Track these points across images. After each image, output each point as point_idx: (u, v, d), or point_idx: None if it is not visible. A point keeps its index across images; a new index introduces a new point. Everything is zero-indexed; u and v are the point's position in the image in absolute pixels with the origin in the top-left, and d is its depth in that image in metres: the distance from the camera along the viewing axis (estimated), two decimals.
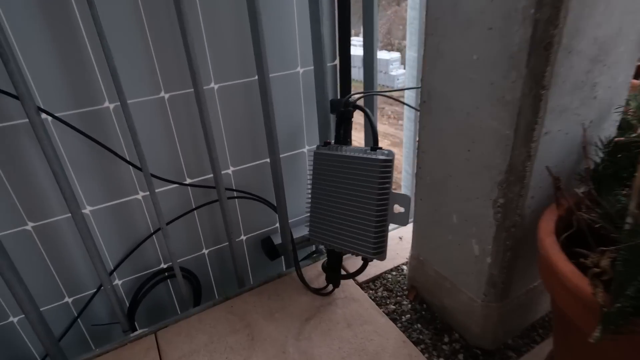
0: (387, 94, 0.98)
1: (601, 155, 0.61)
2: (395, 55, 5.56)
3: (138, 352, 0.83)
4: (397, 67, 5.49)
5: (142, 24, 0.76)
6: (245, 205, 1.03)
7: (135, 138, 0.74)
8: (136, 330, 0.90)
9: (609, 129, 0.66)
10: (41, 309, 0.80)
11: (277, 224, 1.10)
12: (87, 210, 0.84)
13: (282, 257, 1.10)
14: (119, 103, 0.73)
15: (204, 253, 1.03)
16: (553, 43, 0.50)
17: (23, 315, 0.81)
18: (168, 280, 1.00)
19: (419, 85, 0.99)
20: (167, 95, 0.83)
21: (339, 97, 0.97)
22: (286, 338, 0.83)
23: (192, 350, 0.82)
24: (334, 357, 0.78)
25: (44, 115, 0.74)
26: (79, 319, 0.93)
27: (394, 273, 0.99)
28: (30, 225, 0.81)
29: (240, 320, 0.88)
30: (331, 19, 0.93)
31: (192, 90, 0.80)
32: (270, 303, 0.92)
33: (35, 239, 0.82)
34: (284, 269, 1.12)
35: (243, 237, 1.07)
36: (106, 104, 0.78)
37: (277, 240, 1.07)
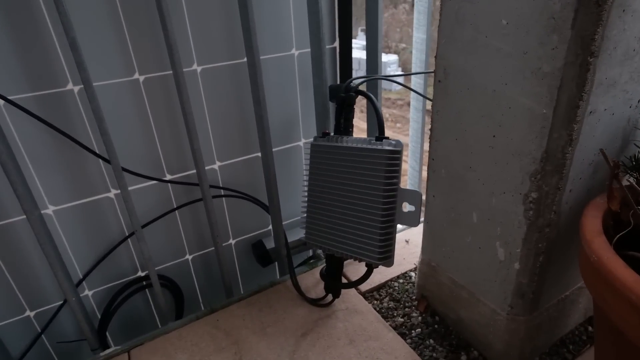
0: (393, 78, 0.88)
1: None
2: (393, 57, 5.49)
3: None
4: (395, 70, 5.41)
5: None
6: (234, 205, 0.92)
7: (102, 125, 0.64)
8: (108, 347, 0.78)
9: None
10: (30, 314, 0.69)
11: (270, 226, 0.99)
12: (49, 210, 0.73)
13: (276, 263, 1.00)
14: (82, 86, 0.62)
15: (187, 259, 0.92)
16: None
17: None
18: (146, 290, 0.89)
19: (429, 70, 0.90)
20: (142, 78, 0.72)
21: (338, 82, 0.87)
22: (279, 357, 0.72)
23: None
24: None
25: None
26: (42, 336, 0.82)
27: (401, 281, 0.89)
28: None
29: (227, 336, 0.77)
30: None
31: (171, 72, 0.70)
32: (262, 316, 0.81)
33: None
34: (278, 276, 1.01)
35: (232, 241, 0.96)
36: (69, 86, 0.68)
37: (270, 244, 0.96)
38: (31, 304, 0.79)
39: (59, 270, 0.69)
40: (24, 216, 0.67)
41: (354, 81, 0.79)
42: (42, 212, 0.71)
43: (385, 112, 4.57)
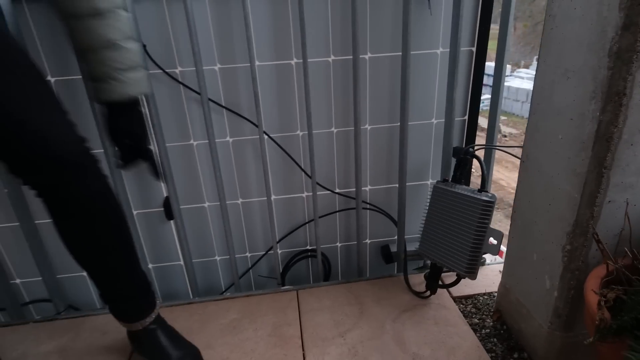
0: (503, 149, 1.18)
1: None
2: None
3: (284, 300, 1.22)
4: None
5: None
6: (374, 217, 1.35)
7: (312, 159, 1.14)
8: (285, 285, 1.30)
9: None
10: (248, 255, 1.26)
11: (396, 237, 1.38)
12: (272, 198, 1.28)
13: (395, 263, 1.38)
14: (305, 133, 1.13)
15: (336, 245, 1.39)
16: (613, 137, 0.69)
17: (224, 257, 1.29)
18: (309, 258, 1.39)
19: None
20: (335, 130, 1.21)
21: (463, 145, 1.22)
22: (386, 319, 1.11)
23: (320, 307, 1.17)
24: (418, 340, 1.03)
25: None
26: (250, 270, 1.38)
27: (485, 297, 1.18)
28: (240, 201, 1.27)
29: (355, 298, 1.20)
30: (466, 80, 1.19)
31: (353, 128, 1.17)
32: (379, 292, 1.22)
33: (241, 211, 1.29)
34: (395, 272, 1.39)
35: (367, 241, 1.39)
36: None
37: (394, 249, 1.36)
38: (250, 248, 1.35)
39: (272, 234, 1.23)
40: (262, 198, 1.22)
41: (473, 147, 1.14)
42: (266, 198, 1.26)
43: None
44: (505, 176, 6.70)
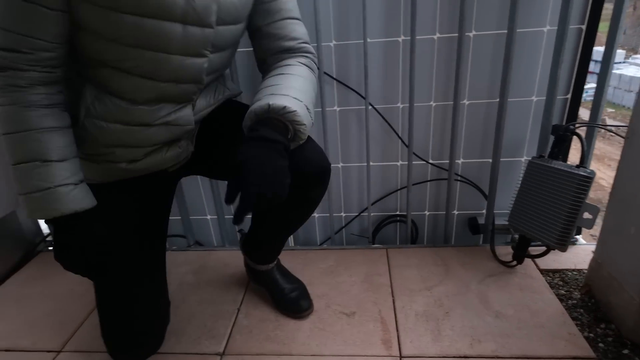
0: (608, 128, 1.17)
1: None
2: None
3: (375, 255, 1.35)
4: None
5: None
6: (463, 189, 1.42)
7: (411, 130, 1.25)
8: (375, 244, 1.44)
9: None
10: (342, 214, 1.43)
11: (483, 210, 1.44)
12: (370, 164, 1.41)
13: (481, 235, 1.45)
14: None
15: (424, 214, 1.49)
16: None
17: (322, 214, 1.47)
18: (398, 223, 1.51)
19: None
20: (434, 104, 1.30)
21: (564, 123, 1.24)
22: (471, 280, 1.20)
23: (407, 265, 1.29)
24: (502, 301, 1.11)
25: None
26: (343, 229, 1.54)
27: (574, 272, 1.21)
28: (340, 165, 1.43)
29: (441, 259, 1.30)
30: (572, 59, 1.19)
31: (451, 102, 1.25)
32: (464, 258, 1.30)
33: (340, 174, 1.44)
34: (480, 243, 1.46)
35: (455, 212, 1.47)
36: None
37: (481, 221, 1.42)
38: (345, 209, 1.51)
39: (368, 197, 1.36)
40: (361, 163, 1.36)
41: (574, 124, 1.16)
42: (365, 164, 1.39)
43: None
44: (608, 175, 6.09)
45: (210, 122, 0.95)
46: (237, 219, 0.73)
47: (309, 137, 0.85)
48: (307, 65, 0.90)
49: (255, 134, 0.75)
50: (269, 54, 0.90)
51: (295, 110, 0.77)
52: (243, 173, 0.71)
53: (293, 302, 1.11)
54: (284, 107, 0.76)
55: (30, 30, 0.67)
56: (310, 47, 0.92)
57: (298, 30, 0.90)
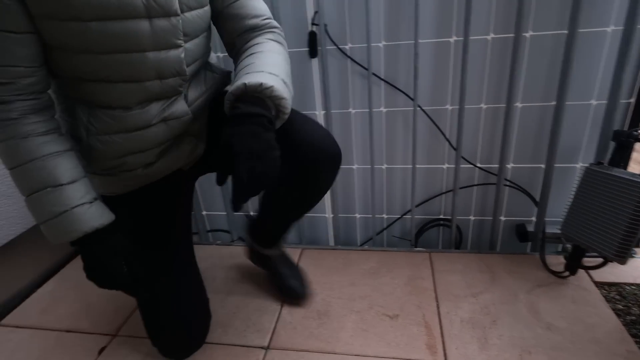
0: None
1: None
2: None
3: (418, 258, 1.34)
4: None
5: None
6: (512, 195, 1.37)
7: (460, 132, 1.22)
8: (417, 247, 1.42)
9: None
10: (384, 216, 1.42)
11: (533, 217, 1.39)
12: (416, 166, 1.40)
13: (529, 243, 1.39)
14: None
15: (469, 218, 1.45)
16: None
17: (364, 215, 1.46)
18: (441, 226, 1.48)
19: None
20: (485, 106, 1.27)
21: (625, 129, 1.17)
22: (519, 289, 1.16)
23: (452, 270, 1.27)
24: (554, 313, 1.06)
25: None
26: (384, 231, 1.53)
27: (632, 287, 1.14)
28: (384, 166, 1.42)
29: (487, 266, 1.27)
30: (637, 62, 1.13)
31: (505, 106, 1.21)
32: (511, 266, 1.26)
33: (384, 176, 1.43)
34: (528, 250, 1.41)
35: (502, 218, 1.42)
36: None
37: (530, 228, 1.37)
38: (388, 211, 1.50)
39: (412, 199, 1.35)
40: (406, 165, 1.35)
41: (637, 130, 1.09)
42: (411, 166, 1.37)
43: None
44: None
45: (218, 121, 0.94)
46: (235, 204, 0.72)
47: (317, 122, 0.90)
48: (275, 41, 0.87)
49: (236, 111, 0.73)
50: (235, 36, 0.88)
51: (272, 86, 0.74)
52: (230, 152, 0.70)
53: (293, 288, 1.17)
54: (261, 84, 0.74)
55: (5, 60, 0.67)
56: (274, 22, 0.90)
57: (258, 7, 0.88)
